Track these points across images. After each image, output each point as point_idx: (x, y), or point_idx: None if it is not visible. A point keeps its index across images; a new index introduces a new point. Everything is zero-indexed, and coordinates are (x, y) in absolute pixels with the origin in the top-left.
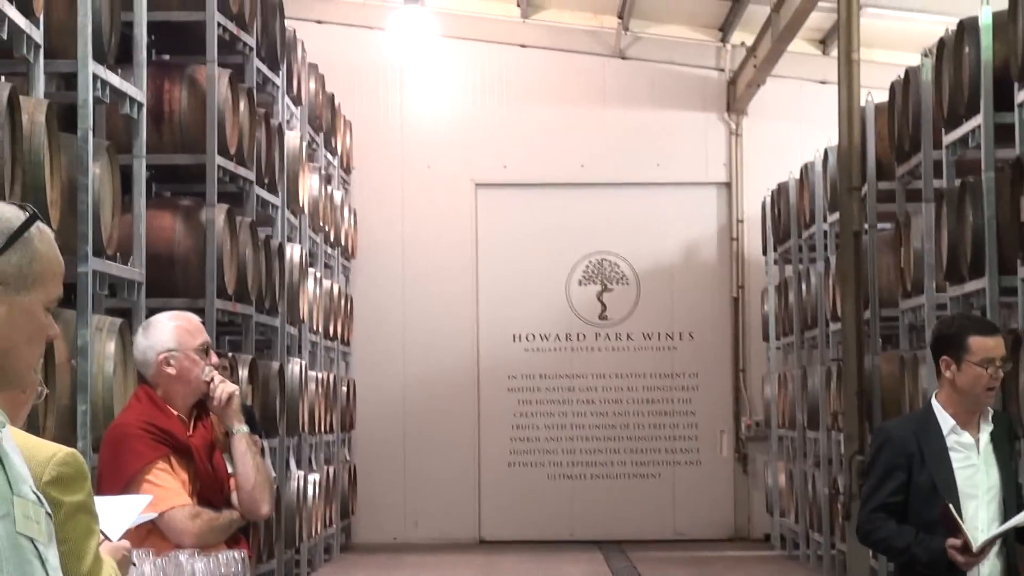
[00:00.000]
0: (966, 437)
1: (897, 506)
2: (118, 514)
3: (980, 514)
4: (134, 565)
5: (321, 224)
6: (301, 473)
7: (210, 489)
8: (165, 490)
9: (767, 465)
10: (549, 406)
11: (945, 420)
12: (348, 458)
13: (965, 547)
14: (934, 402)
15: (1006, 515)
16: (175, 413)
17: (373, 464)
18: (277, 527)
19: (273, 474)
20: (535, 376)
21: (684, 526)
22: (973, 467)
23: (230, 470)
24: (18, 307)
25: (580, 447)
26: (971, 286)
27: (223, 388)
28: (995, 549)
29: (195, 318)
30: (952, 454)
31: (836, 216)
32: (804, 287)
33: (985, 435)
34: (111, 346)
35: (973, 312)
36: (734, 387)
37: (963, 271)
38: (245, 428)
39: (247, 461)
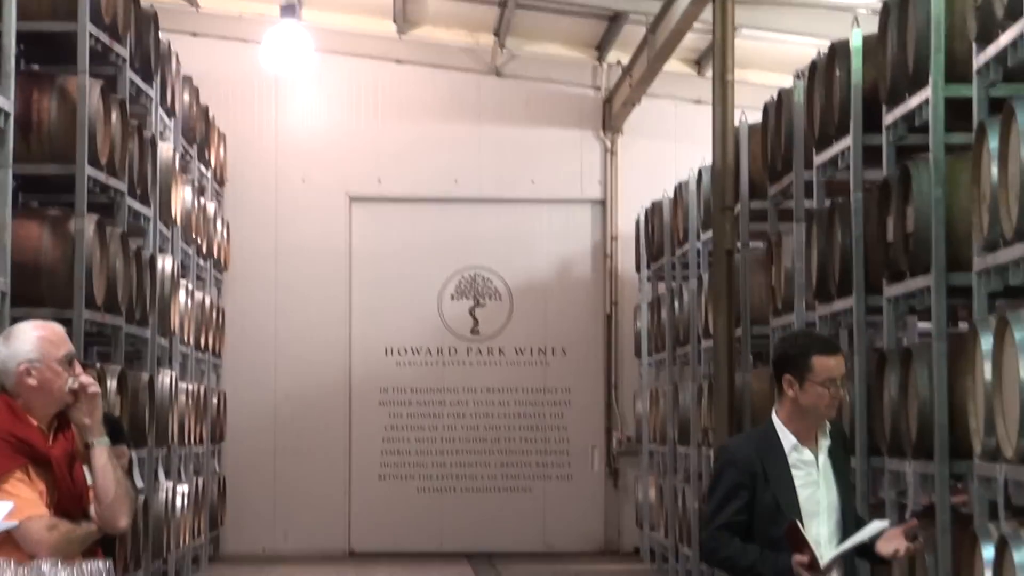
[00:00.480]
0: (807, 454)
1: (741, 525)
2: None
3: (822, 530)
4: None
5: (194, 236)
6: (170, 484)
7: (69, 500)
8: (22, 500)
9: (638, 480)
10: (420, 419)
11: (787, 438)
12: (218, 469)
13: (812, 564)
14: (775, 419)
15: (845, 530)
16: (34, 423)
17: (243, 476)
18: (145, 537)
19: (141, 484)
20: (407, 390)
21: (555, 540)
22: (814, 484)
23: (90, 482)
24: None
25: (451, 460)
26: (839, 305)
27: (92, 386)
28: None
29: (59, 328)
30: (794, 471)
31: (709, 234)
32: (677, 304)
33: (824, 451)
34: None
35: (816, 332)
36: (606, 402)
37: (832, 290)
38: (106, 440)
39: (107, 473)
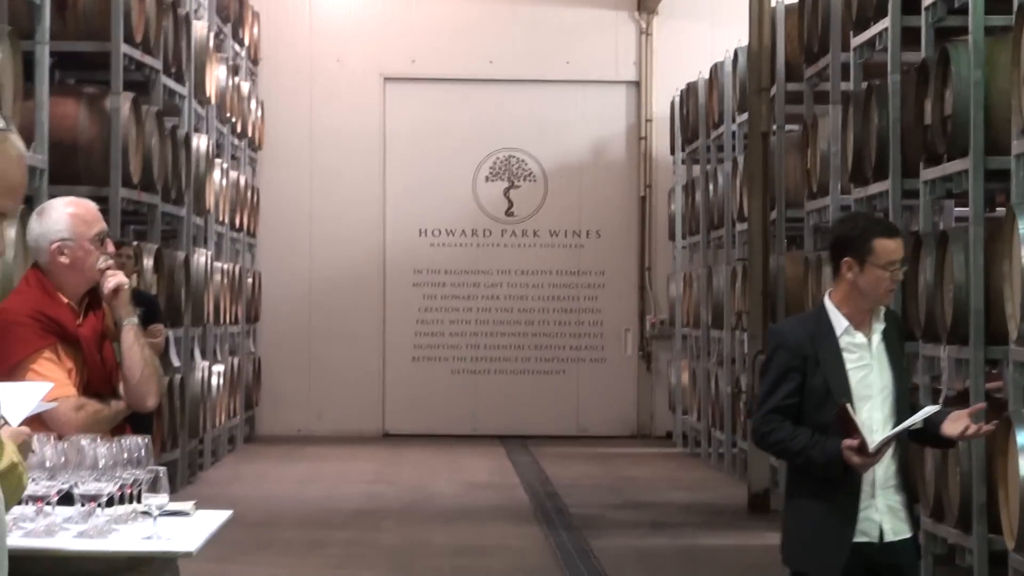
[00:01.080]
0: (859, 337)
1: (792, 408)
2: (18, 400)
3: (874, 415)
4: (33, 451)
5: (228, 115)
6: (206, 364)
7: (98, 379)
8: (50, 380)
9: (671, 364)
10: (454, 301)
11: (839, 321)
12: (253, 350)
13: (861, 447)
14: (827, 302)
15: (898, 414)
16: (65, 301)
17: (278, 356)
18: (181, 417)
19: (177, 363)
20: (441, 271)
21: (587, 423)
22: (867, 367)
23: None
24: None
25: (484, 343)
26: (875, 188)
27: (113, 279)
28: (889, 450)
29: (92, 205)
30: (845, 355)
31: (744, 117)
32: (711, 187)
33: (877, 335)
34: (11, 233)
35: (875, 213)
36: (639, 286)
37: (867, 173)
38: (134, 319)
39: (135, 353)
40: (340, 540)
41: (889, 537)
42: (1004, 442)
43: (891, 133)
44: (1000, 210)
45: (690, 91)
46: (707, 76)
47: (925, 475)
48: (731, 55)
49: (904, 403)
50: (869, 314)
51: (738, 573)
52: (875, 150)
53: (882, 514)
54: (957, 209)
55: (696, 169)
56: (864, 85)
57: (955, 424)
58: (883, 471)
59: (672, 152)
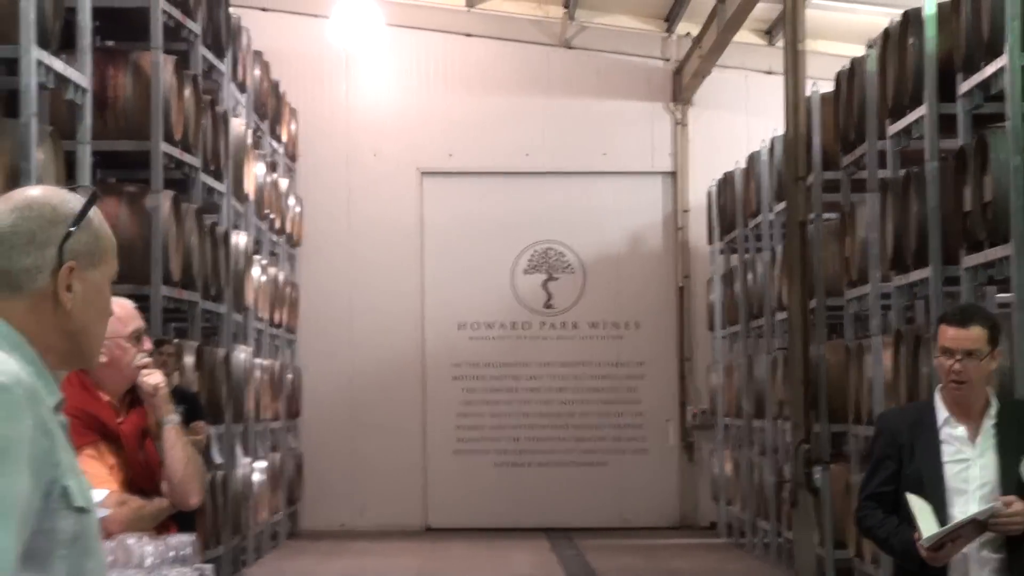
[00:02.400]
0: (960, 430)
1: (888, 496)
2: None
3: (970, 508)
4: None
5: (266, 212)
6: (248, 460)
7: (141, 477)
8: (92, 477)
9: (713, 453)
10: (495, 394)
11: (941, 412)
12: (294, 446)
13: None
14: (936, 393)
15: None
16: (106, 399)
17: (320, 451)
18: (224, 514)
19: (219, 460)
20: (480, 364)
21: (631, 514)
22: (965, 461)
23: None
24: (91, 284)
25: (526, 435)
26: (915, 275)
27: (150, 378)
28: (988, 545)
29: (129, 304)
30: (944, 447)
31: (782, 206)
32: (750, 276)
33: (987, 428)
34: None
35: (972, 303)
36: (680, 376)
37: (907, 260)
38: (176, 418)
39: (177, 451)
40: None
41: None
42: None
43: (930, 220)
44: None
45: (727, 181)
46: (743, 166)
47: None
48: (767, 144)
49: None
50: (969, 406)
51: None
52: (915, 237)
53: None
54: (999, 296)
55: (734, 258)
56: (902, 173)
57: (1002, 521)
58: (978, 563)
59: (710, 242)
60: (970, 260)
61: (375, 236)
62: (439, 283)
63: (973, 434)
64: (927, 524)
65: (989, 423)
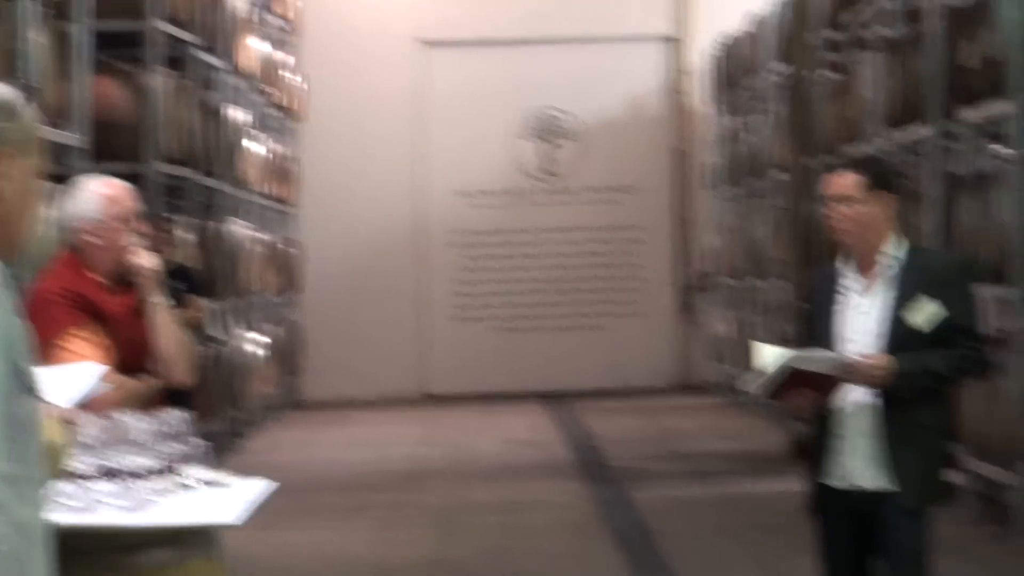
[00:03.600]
0: (856, 280)
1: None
2: (67, 383)
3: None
4: (77, 427)
5: (266, 87)
6: (248, 334)
7: (132, 356)
8: (83, 357)
9: (712, 314)
10: (494, 261)
11: (846, 263)
12: (295, 318)
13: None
14: None
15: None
16: (97, 279)
17: (321, 324)
18: (223, 388)
19: (219, 336)
20: (480, 232)
21: (629, 376)
22: (855, 310)
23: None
24: (23, 173)
25: (525, 301)
26: (914, 132)
27: (140, 259)
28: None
29: (121, 184)
30: (839, 297)
31: (783, 66)
32: (749, 137)
33: (881, 277)
34: (49, 211)
35: (870, 156)
36: (678, 238)
37: (907, 118)
38: (164, 299)
39: (166, 332)
40: (384, 502)
41: (862, 484)
42: None
43: (932, 76)
44: None
45: (728, 42)
46: (746, 26)
47: (966, 415)
48: (770, 4)
49: (898, 344)
50: (865, 255)
51: (781, 519)
52: (915, 95)
53: (856, 461)
54: (1001, 152)
55: (734, 121)
56: (904, 30)
57: (857, 373)
58: (858, 417)
59: (710, 104)
60: (970, 116)
61: (375, 107)
62: (439, 152)
63: (868, 284)
64: (761, 372)
65: (885, 272)
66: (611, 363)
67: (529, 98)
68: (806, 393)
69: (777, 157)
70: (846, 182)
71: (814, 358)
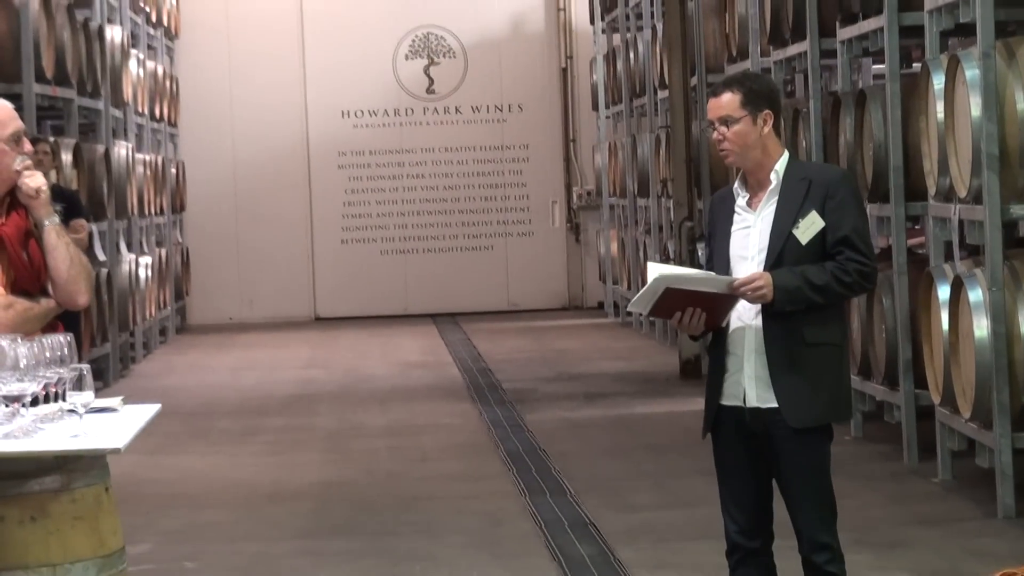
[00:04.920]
0: (745, 199)
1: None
2: None
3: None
4: None
5: (142, 4)
6: (132, 256)
7: (25, 278)
8: None
9: (599, 234)
10: (380, 182)
11: (738, 184)
12: (180, 240)
13: None
14: None
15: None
16: None
17: (206, 245)
18: (110, 311)
19: (103, 258)
20: (365, 152)
21: (518, 297)
22: (747, 228)
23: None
24: None
25: (412, 222)
26: (793, 49)
27: (31, 180)
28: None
29: (7, 105)
30: (734, 217)
31: None
32: (632, 55)
33: (768, 194)
34: None
35: (746, 73)
36: (565, 157)
37: (786, 35)
38: (56, 219)
39: (59, 252)
40: (275, 426)
41: (753, 403)
42: (927, 296)
43: None
44: (916, 66)
45: None
46: None
47: (852, 334)
48: None
49: (789, 259)
50: (753, 175)
51: (671, 439)
52: (792, 11)
53: (748, 379)
54: (875, 67)
55: (616, 38)
56: None
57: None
58: (746, 335)
59: (592, 22)
60: (845, 33)
61: (254, 24)
62: (320, 71)
63: (756, 201)
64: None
65: (771, 188)
66: (500, 283)
67: (409, 16)
68: (695, 312)
69: (659, 75)
70: (723, 102)
71: (691, 277)
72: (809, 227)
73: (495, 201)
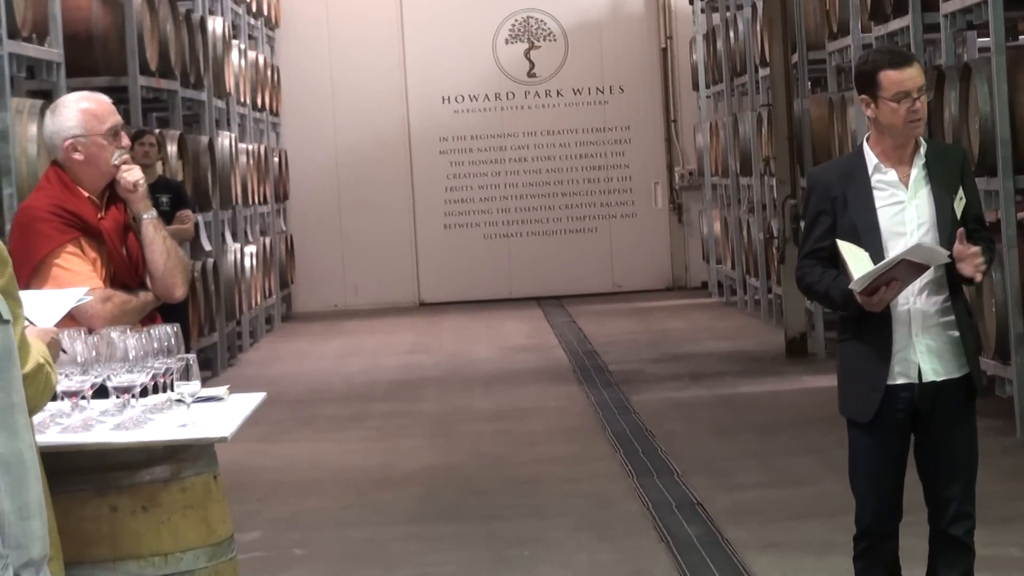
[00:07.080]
0: (891, 175)
1: (826, 251)
2: (51, 306)
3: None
4: (64, 352)
5: None
6: (238, 246)
7: (124, 272)
8: (75, 274)
9: (702, 214)
10: (482, 166)
11: (871, 159)
12: (284, 228)
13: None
14: (864, 143)
15: (948, 248)
16: (85, 195)
17: (309, 233)
18: (217, 300)
19: (208, 247)
20: (466, 137)
21: (622, 279)
22: (899, 204)
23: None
24: None
25: (515, 206)
26: (895, 24)
27: (128, 175)
28: (929, 288)
29: (105, 99)
30: (876, 193)
31: None
32: (732, 34)
33: (917, 170)
34: (33, 128)
35: (890, 46)
36: (666, 138)
37: (887, 10)
38: (153, 213)
39: (157, 246)
40: (381, 412)
41: (929, 378)
42: None
43: None
44: (1022, 39)
45: None
46: None
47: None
48: None
49: (952, 235)
50: (903, 150)
51: (777, 418)
52: None
53: (921, 354)
54: (979, 40)
55: (716, 17)
56: None
57: (965, 263)
58: (922, 309)
59: (691, 2)
60: (949, 6)
61: (354, 13)
62: (421, 57)
63: (905, 177)
64: (858, 268)
65: (919, 164)
66: (604, 265)
67: (510, 0)
68: (893, 287)
69: (760, 53)
70: (918, 72)
71: (921, 250)
72: (959, 202)
73: (597, 183)
